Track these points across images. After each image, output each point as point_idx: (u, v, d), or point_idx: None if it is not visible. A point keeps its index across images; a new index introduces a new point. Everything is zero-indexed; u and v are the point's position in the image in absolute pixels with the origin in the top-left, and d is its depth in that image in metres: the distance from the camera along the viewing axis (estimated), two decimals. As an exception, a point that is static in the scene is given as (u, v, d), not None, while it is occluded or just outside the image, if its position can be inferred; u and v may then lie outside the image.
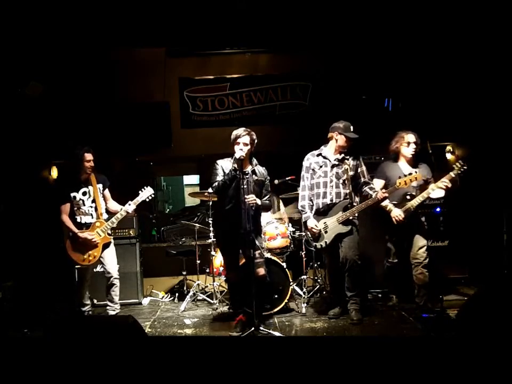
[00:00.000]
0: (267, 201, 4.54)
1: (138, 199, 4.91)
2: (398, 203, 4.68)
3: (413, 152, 4.71)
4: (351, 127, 4.60)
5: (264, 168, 4.58)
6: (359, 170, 4.70)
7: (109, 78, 6.98)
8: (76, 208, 4.86)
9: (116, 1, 5.29)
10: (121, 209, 4.90)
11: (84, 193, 4.89)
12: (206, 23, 5.98)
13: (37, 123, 6.25)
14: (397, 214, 4.61)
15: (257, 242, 4.32)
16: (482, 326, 2.06)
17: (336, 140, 4.66)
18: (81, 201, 4.86)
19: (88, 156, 4.85)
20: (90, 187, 4.91)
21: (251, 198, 4.22)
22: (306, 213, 4.75)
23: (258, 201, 4.33)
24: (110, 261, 4.95)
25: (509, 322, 2.01)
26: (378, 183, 4.81)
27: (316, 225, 4.65)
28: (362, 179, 4.70)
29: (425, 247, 4.68)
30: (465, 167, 4.43)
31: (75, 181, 4.91)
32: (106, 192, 5.08)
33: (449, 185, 4.47)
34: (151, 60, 7.21)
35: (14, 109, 5.76)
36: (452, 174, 4.47)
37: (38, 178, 6.58)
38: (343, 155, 4.67)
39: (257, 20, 5.98)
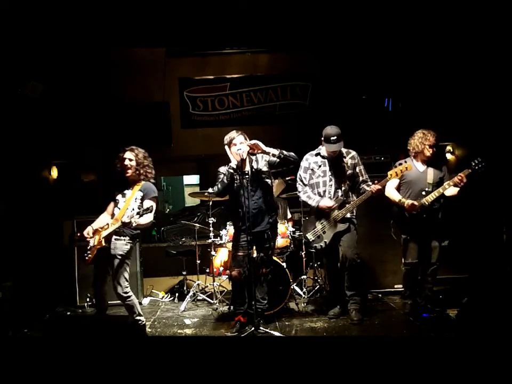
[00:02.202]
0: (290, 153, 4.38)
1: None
2: (413, 200, 4.63)
3: (434, 152, 4.69)
4: (332, 137, 4.49)
5: (259, 156, 4.49)
6: (357, 169, 4.69)
7: (109, 78, 6.99)
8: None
9: (116, 1, 5.29)
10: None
11: (123, 195, 4.48)
12: (206, 23, 5.98)
13: (37, 123, 6.25)
14: (410, 202, 4.54)
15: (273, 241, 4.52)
16: (482, 326, 2.06)
17: (325, 146, 4.67)
18: (117, 202, 4.47)
19: (124, 154, 4.41)
20: (130, 191, 4.46)
21: (251, 141, 4.25)
22: (314, 199, 4.65)
23: (272, 150, 4.29)
24: (115, 276, 4.29)
25: (509, 322, 2.01)
26: (392, 182, 4.73)
27: (330, 203, 4.57)
28: (360, 178, 4.69)
29: (438, 247, 4.65)
30: (483, 163, 4.38)
31: (121, 181, 4.52)
32: (146, 203, 4.31)
33: (465, 180, 4.41)
34: (151, 60, 7.22)
35: (14, 109, 5.76)
36: (468, 169, 4.43)
37: (38, 178, 6.58)
38: (340, 153, 4.66)
39: (257, 20, 5.98)
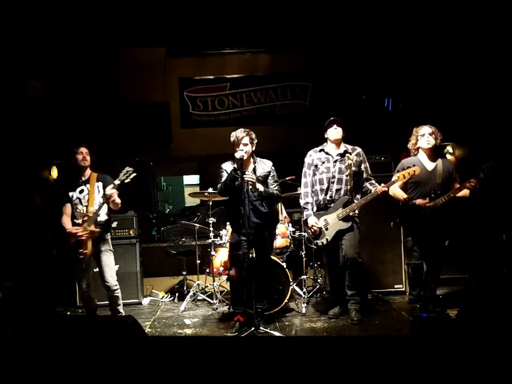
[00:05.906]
0: (274, 191, 4.50)
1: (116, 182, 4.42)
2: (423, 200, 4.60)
3: (428, 143, 4.64)
4: (332, 118, 4.65)
5: (268, 160, 4.61)
6: (362, 166, 4.70)
7: (109, 78, 6.99)
8: (74, 209, 4.57)
9: (116, 2, 5.30)
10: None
11: (81, 191, 4.56)
12: (206, 23, 5.99)
13: (37, 123, 6.25)
14: (422, 202, 4.52)
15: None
16: (482, 326, 2.06)
17: (327, 138, 4.73)
18: (77, 200, 4.56)
19: (81, 149, 4.59)
20: (88, 185, 4.58)
21: (249, 176, 4.25)
22: (308, 210, 4.73)
23: (260, 187, 4.34)
24: (109, 270, 4.54)
25: (509, 322, 2.01)
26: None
27: (316, 223, 4.65)
28: (364, 175, 4.69)
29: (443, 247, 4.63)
30: (492, 168, 4.38)
31: (74, 179, 4.64)
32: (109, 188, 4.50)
33: (478, 185, 4.39)
34: (151, 60, 7.23)
35: (14, 109, 5.77)
36: (481, 174, 4.39)
37: (38, 178, 6.58)
38: (345, 149, 4.68)
39: (257, 20, 5.99)
